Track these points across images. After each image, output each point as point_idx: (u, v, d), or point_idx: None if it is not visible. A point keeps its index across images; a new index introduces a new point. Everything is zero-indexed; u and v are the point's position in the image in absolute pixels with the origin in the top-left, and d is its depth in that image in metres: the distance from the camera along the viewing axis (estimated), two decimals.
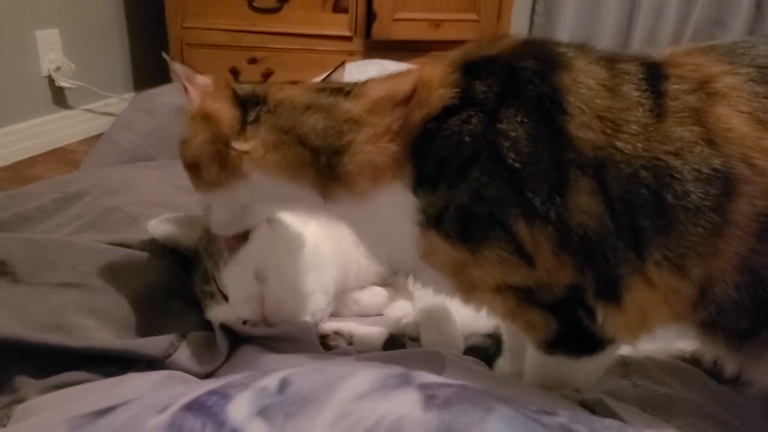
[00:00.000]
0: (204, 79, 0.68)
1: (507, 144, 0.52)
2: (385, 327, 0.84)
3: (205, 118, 0.64)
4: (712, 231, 0.51)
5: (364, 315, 0.91)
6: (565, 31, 2.75)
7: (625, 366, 0.78)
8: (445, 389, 0.41)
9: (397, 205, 0.57)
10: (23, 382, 0.62)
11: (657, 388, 0.74)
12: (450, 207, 0.54)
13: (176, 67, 0.68)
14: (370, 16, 2.22)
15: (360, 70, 1.55)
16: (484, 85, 0.54)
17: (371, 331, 0.83)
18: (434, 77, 0.56)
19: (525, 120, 0.52)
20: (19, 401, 0.59)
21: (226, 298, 0.76)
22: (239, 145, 0.61)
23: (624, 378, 0.77)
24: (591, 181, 0.52)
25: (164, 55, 0.74)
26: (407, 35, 2.26)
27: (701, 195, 0.50)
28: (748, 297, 0.53)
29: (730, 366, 0.62)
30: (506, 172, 0.52)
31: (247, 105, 0.63)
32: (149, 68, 2.56)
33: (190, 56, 2.29)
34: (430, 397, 0.40)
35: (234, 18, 2.24)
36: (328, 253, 0.85)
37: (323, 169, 0.58)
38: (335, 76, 0.77)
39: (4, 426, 0.55)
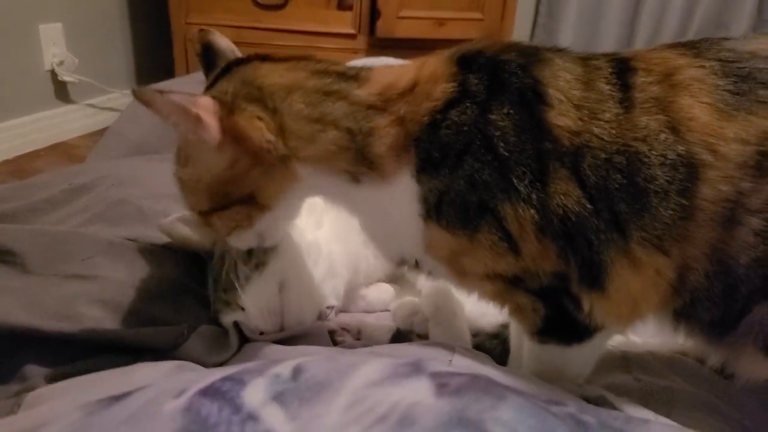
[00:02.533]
0: (205, 99, 0.57)
1: (497, 134, 0.56)
2: (392, 322, 0.85)
3: (236, 136, 0.57)
4: (681, 214, 0.54)
5: (370, 310, 0.92)
6: (568, 31, 2.76)
7: (627, 361, 0.79)
8: (457, 378, 0.42)
9: (407, 194, 0.59)
10: (33, 370, 0.62)
11: (658, 382, 0.75)
12: (450, 192, 0.57)
13: (173, 98, 0.53)
14: (375, 13, 2.22)
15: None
16: (476, 78, 0.58)
17: (379, 326, 0.84)
18: (439, 72, 0.60)
19: (512, 111, 0.56)
20: (29, 389, 0.60)
21: (242, 309, 0.76)
22: (283, 148, 0.58)
23: (625, 373, 0.77)
24: (567, 170, 0.55)
25: (145, 91, 0.52)
26: (411, 33, 2.26)
27: (668, 179, 0.53)
28: (719, 285, 0.56)
29: (712, 359, 0.64)
30: (496, 160, 0.56)
31: (257, 101, 0.59)
32: (152, 64, 2.55)
33: (194, 52, 2.29)
34: (442, 385, 0.40)
35: (238, 14, 2.24)
36: (340, 256, 0.87)
37: (359, 149, 0.59)
38: (224, 46, 0.69)
39: (15, 414, 0.55)
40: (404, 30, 2.26)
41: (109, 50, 2.43)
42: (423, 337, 0.83)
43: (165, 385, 0.41)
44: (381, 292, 0.94)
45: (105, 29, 2.39)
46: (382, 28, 2.23)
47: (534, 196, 0.55)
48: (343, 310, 0.91)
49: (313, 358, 0.44)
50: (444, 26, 2.29)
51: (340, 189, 0.62)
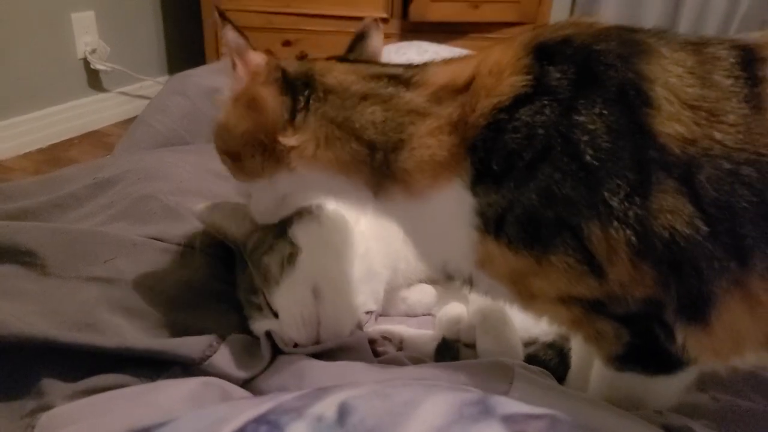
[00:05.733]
0: (257, 57, 0.60)
1: (585, 138, 0.47)
2: (437, 330, 0.78)
3: (251, 104, 0.58)
4: None
5: (411, 314, 0.86)
6: (608, 14, 2.62)
7: (701, 376, 0.71)
8: (534, 423, 0.35)
9: (454, 206, 0.52)
10: (50, 385, 0.57)
11: (740, 403, 0.68)
12: (515, 207, 0.49)
13: (229, 36, 0.59)
14: None
15: (398, 53, 1.49)
16: (559, 70, 0.49)
17: (422, 335, 0.77)
18: (504, 62, 0.51)
19: (605, 112, 0.47)
20: (45, 408, 0.55)
21: (275, 314, 0.70)
22: (287, 140, 0.56)
23: (701, 391, 0.70)
24: (675, 181, 0.46)
25: (215, 15, 0.62)
26: (445, 17, 2.19)
27: None
28: None
29: None
30: (582, 169, 0.47)
31: (296, 90, 0.57)
32: (184, 51, 2.54)
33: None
34: None
35: (268, 0, 2.19)
36: (378, 255, 0.80)
37: (378, 166, 0.54)
38: (371, 45, 0.69)
39: None
40: (437, 13, 2.18)
41: (141, 38, 2.42)
42: (470, 347, 0.76)
43: (188, 426, 0.35)
44: (423, 295, 0.87)
45: (137, 17, 2.38)
46: (415, 11, 2.16)
47: (631, 214, 0.46)
48: (382, 314, 0.84)
49: (360, 392, 0.38)
50: (478, 9, 2.20)
51: (354, 200, 0.60)
